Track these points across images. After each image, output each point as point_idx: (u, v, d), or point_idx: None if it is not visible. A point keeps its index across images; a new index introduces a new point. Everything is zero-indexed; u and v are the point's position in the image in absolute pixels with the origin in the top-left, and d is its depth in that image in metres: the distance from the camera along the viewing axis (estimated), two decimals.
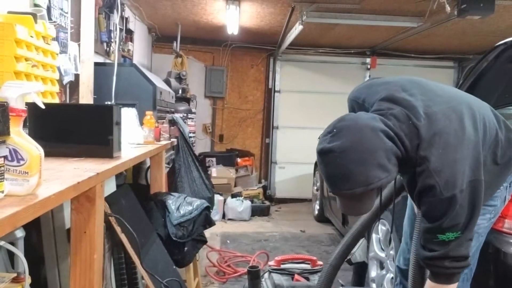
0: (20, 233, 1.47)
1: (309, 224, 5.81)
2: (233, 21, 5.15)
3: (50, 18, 2.56)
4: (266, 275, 2.47)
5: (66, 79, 2.84)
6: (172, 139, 3.34)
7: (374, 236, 3.09)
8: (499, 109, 2.51)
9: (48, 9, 2.56)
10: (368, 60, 7.20)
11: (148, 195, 2.85)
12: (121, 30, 4.32)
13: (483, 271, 1.86)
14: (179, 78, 5.50)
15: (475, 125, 1.53)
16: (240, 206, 5.92)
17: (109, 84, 3.29)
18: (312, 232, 5.44)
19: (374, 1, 4.37)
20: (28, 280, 1.35)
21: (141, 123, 2.76)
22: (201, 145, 7.14)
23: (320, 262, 2.49)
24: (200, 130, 7.16)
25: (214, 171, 6.39)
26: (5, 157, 0.98)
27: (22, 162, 1.03)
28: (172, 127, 3.48)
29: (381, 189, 2.02)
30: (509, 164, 1.69)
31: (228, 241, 4.85)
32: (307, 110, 7.06)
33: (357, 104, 1.71)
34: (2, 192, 0.98)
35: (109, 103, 3.16)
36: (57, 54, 2.29)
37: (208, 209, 2.75)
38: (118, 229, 1.97)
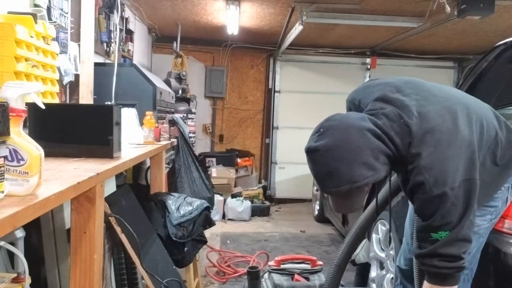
0: (20, 233, 1.47)
1: (309, 224, 5.81)
2: (233, 21, 5.15)
3: (50, 18, 2.56)
4: (266, 275, 2.47)
5: (66, 79, 2.84)
6: (172, 139, 3.34)
7: (374, 236, 3.09)
8: (499, 109, 2.50)
9: (48, 9, 2.56)
10: (368, 60, 7.20)
11: (148, 195, 2.85)
12: (121, 30, 4.32)
13: (483, 271, 1.86)
14: (179, 78, 5.50)
15: (470, 125, 1.52)
16: (240, 206, 5.92)
17: (109, 84, 3.29)
18: (312, 232, 5.44)
19: (374, 1, 4.37)
20: (28, 280, 1.35)
21: (141, 123, 2.76)
22: (201, 145, 7.14)
23: (320, 262, 2.49)
24: (200, 130, 7.16)
25: (214, 171, 6.39)
26: (5, 157, 0.98)
27: (22, 162, 1.03)
28: (172, 127, 3.48)
29: (377, 189, 2.03)
30: (509, 165, 1.69)
31: (228, 241, 4.85)
32: (307, 110, 7.05)
33: (353, 105, 1.73)
34: (2, 192, 0.98)
35: (109, 103, 3.16)
36: (57, 54, 2.29)
37: (208, 209, 2.75)
38: (118, 229, 1.97)
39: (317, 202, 5.94)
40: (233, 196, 6.19)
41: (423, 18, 4.63)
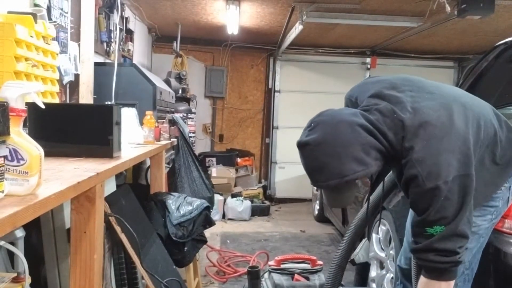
0: (20, 233, 1.46)
1: (309, 224, 5.81)
2: (233, 21, 5.15)
3: (50, 18, 2.56)
4: (266, 275, 2.47)
5: (66, 79, 2.84)
6: (172, 139, 3.34)
7: (374, 236, 3.09)
8: (499, 109, 2.50)
9: (48, 9, 2.56)
10: (368, 60, 7.20)
11: (148, 195, 2.85)
12: (121, 30, 4.32)
13: (483, 271, 1.86)
14: (179, 78, 5.50)
15: (466, 122, 1.52)
16: (240, 206, 5.92)
17: (109, 84, 3.29)
18: (312, 232, 5.44)
19: (374, 1, 4.37)
20: (28, 280, 1.35)
21: (141, 123, 2.76)
22: (201, 145, 7.14)
23: (320, 262, 2.49)
24: (200, 130, 7.16)
25: (214, 171, 6.39)
26: (5, 157, 0.98)
27: (22, 162, 1.03)
28: (172, 127, 3.48)
29: (372, 185, 2.04)
30: (509, 164, 1.68)
31: (228, 241, 4.85)
32: (307, 110, 6.98)
33: (350, 102, 1.75)
34: (2, 192, 0.98)
35: (109, 103, 3.16)
36: (57, 54, 2.29)
37: (208, 209, 2.75)
38: (118, 229, 1.96)
39: (317, 202, 5.94)
40: (233, 196, 6.19)
41: (423, 18, 4.63)
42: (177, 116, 3.83)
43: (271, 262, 2.49)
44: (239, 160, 7.00)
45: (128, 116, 2.68)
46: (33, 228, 1.72)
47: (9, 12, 2.01)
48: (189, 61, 6.60)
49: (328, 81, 7.20)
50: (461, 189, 1.44)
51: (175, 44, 5.99)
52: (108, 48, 3.84)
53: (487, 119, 1.62)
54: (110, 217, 1.93)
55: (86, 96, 3.08)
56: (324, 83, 7.21)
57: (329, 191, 1.56)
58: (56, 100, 2.32)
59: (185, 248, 2.57)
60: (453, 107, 1.53)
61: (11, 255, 1.49)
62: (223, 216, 5.93)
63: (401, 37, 5.76)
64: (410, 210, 2.09)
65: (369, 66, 7.22)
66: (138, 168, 3.14)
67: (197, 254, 2.82)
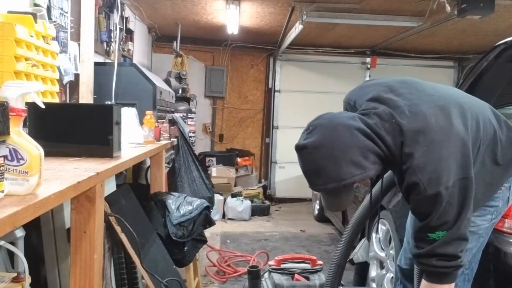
0: (20, 233, 1.46)
1: (309, 224, 5.81)
2: (233, 21, 5.15)
3: (50, 18, 2.56)
4: (266, 274, 2.46)
5: (66, 79, 2.84)
6: (172, 139, 3.34)
7: (374, 235, 3.09)
8: (499, 109, 2.50)
9: (48, 9, 2.56)
10: (368, 60, 7.20)
11: (148, 195, 2.85)
12: (121, 30, 4.32)
13: (483, 271, 1.86)
14: (179, 78, 5.50)
15: (465, 123, 1.52)
16: (240, 205, 5.92)
17: (109, 84, 3.29)
18: (312, 232, 5.44)
19: (374, 1, 4.37)
20: (28, 280, 1.35)
21: (141, 123, 2.76)
22: (201, 145, 7.14)
23: (320, 262, 2.49)
24: (200, 130, 7.16)
25: (214, 170, 6.39)
26: (5, 157, 0.98)
27: (22, 162, 1.03)
28: (172, 127, 3.48)
29: (372, 184, 2.04)
30: (510, 164, 1.68)
31: (228, 241, 4.85)
32: (307, 110, 7.03)
33: (349, 105, 1.74)
34: (2, 191, 0.98)
35: (109, 103, 3.16)
36: (57, 54, 2.29)
37: (208, 208, 2.75)
38: (118, 229, 1.96)
39: (317, 202, 5.94)
40: (233, 195, 6.19)
41: (423, 17, 4.62)
42: (177, 116, 3.83)
43: (271, 262, 2.49)
44: (239, 160, 7.00)
45: (128, 116, 2.68)
46: (33, 228, 1.72)
47: (9, 12, 2.01)
48: (189, 61, 6.60)
49: (328, 81, 7.20)
50: (462, 192, 1.44)
51: (175, 44, 5.99)
52: (108, 48, 3.84)
53: (486, 118, 1.62)
54: (110, 217, 1.93)
55: (86, 96, 3.08)
56: (324, 83, 7.21)
57: (327, 195, 1.56)
58: (56, 100, 2.32)
59: (185, 248, 2.57)
60: (452, 109, 1.53)
61: (11, 255, 1.49)
62: (223, 216, 5.93)
63: (401, 37, 5.75)
64: (410, 212, 2.09)
65: (369, 66, 7.22)
66: (138, 168, 3.14)
67: (197, 254, 2.82)
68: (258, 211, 6.17)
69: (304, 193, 6.92)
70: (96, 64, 3.25)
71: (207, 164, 6.51)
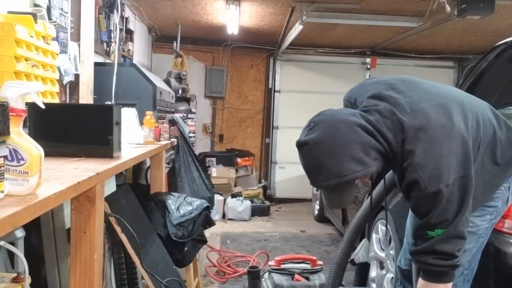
0: (20, 233, 1.46)
1: (309, 224, 5.81)
2: (233, 21, 5.15)
3: (50, 18, 2.56)
4: (266, 275, 2.46)
5: (66, 79, 2.84)
6: (172, 139, 3.34)
7: (374, 236, 3.09)
8: (499, 109, 2.50)
9: (48, 9, 2.56)
10: (368, 60, 7.20)
11: (148, 195, 2.85)
12: (121, 30, 4.32)
13: (483, 271, 1.86)
14: (179, 78, 5.50)
15: (466, 122, 1.52)
16: (240, 206, 5.92)
17: (109, 84, 3.29)
18: (312, 232, 5.44)
19: (374, 1, 4.37)
20: (28, 280, 1.35)
21: (141, 123, 2.76)
22: (201, 145, 7.14)
23: (320, 262, 2.49)
24: (200, 130, 7.16)
25: (214, 171, 6.39)
26: (5, 157, 0.98)
27: (22, 162, 1.03)
28: (172, 127, 3.48)
29: (373, 184, 2.04)
30: (509, 164, 1.68)
31: (228, 241, 4.85)
32: (307, 110, 6.97)
33: (350, 103, 1.75)
34: (2, 192, 0.98)
35: (109, 103, 3.16)
36: (57, 54, 2.29)
37: (208, 209, 2.75)
38: (118, 229, 1.96)
39: (317, 202, 5.94)
40: (233, 196, 6.19)
41: (423, 17, 4.63)
42: (177, 116, 3.83)
43: (271, 262, 2.49)
44: (239, 160, 7.01)
45: (128, 116, 2.68)
46: (33, 228, 1.72)
47: (9, 12, 2.01)
48: (189, 61, 6.60)
49: (328, 81, 7.20)
50: (461, 190, 1.44)
51: (175, 44, 5.99)
52: (108, 48, 3.84)
53: (486, 118, 1.62)
54: (110, 217, 1.93)
55: (86, 96, 3.08)
56: (324, 83, 7.21)
57: (328, 192, 1.55)
58: (56, 100, 2.32)
59: (185, 248, 2.57)
60: (452, 107, 1.53)
61: (11, 255, 1.50)
62: (223, 216, 5.92)
63: (401, 37, 5.75)
64: (410, 211, 2.09)
65: (369, 66, 7.22)
66: (138, 168, 3.14)
67: (197, 254, 2.82)
68: (258, 211, 6.17)
69: (304, 193, 6.92)
70: (96, 64, 3.25)
71: (207, 164, 6.51)
